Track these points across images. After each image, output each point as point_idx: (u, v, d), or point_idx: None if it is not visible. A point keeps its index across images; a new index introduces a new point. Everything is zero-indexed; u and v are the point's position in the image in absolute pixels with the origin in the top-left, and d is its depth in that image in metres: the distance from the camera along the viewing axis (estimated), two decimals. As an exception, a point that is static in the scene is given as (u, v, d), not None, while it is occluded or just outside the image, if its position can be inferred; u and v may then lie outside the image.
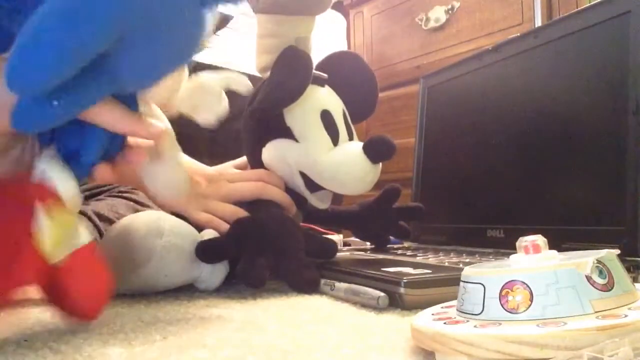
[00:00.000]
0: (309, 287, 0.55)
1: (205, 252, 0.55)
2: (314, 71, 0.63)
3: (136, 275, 0.52)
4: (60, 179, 0.36)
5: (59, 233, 0.35)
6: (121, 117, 0.36)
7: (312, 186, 0.64)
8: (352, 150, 0.61)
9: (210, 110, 0.46)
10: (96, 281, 0.39)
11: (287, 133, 0.63)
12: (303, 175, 0.63)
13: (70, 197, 0.37)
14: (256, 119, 0.65)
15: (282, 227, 0.58)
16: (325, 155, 0.61)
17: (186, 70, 0.44)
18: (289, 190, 0.65)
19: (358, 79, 0.71)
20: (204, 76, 0.47)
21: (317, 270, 0.56)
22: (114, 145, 0.39)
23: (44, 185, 0.36)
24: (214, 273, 0.57)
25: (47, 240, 0.35)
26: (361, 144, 0.61)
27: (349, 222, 0.77)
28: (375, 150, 0.60)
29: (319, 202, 0.66)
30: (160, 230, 0.53)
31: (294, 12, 0.62)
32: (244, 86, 0.49)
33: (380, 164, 0.62)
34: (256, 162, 0.66)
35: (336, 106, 0.65)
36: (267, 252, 0.55)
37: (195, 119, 0.46)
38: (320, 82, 0.66)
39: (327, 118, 0.63)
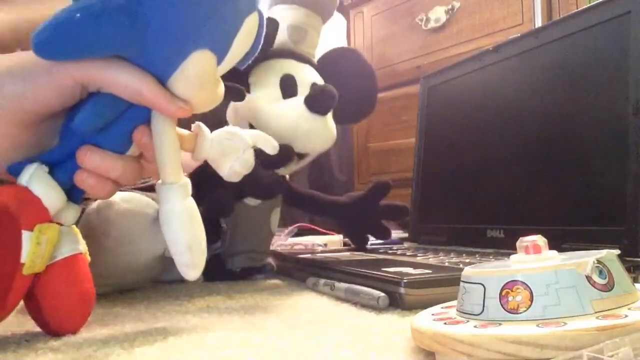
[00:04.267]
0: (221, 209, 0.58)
1: None
2: (301, 53, 0.65)
3: (106, 252, 0.52)
4: (45, 192, 0.35)
5: (35, 251, 0.34)
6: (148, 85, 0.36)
7: None
8: (294, 100, 0.62)
9: (236, 159, 0.45)
10: (71, 297, 0.38)
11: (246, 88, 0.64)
12: (251, 127, 0.63)
13: (56, 209, 0.36)
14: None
15: None
16: (269, 105, 0.62)
17: (207, 130, 0.44)
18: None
19: (358, 74, 0.71)
20: (234, 128, 0.47)
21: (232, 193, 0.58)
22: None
23: (28, 198, 0.34)
24: None
25: (25, 257, 0.34)
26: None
27: (333, 212, 0.76)
28: (314, 99, 0.60)
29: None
30: (110, 202, 0.54)
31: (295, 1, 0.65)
32: (272, 148, 0.49)
33: (330, 118, 0.62)
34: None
35: (306, 78, 0.65)
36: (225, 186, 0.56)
37: (219, 168, 0.46)
38: (302, 59, 0.66)
39: (287, 81, 0.64)
